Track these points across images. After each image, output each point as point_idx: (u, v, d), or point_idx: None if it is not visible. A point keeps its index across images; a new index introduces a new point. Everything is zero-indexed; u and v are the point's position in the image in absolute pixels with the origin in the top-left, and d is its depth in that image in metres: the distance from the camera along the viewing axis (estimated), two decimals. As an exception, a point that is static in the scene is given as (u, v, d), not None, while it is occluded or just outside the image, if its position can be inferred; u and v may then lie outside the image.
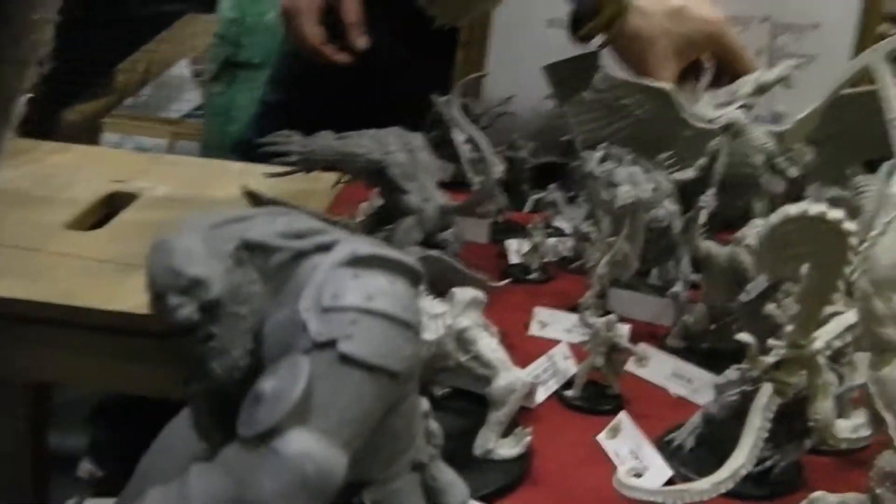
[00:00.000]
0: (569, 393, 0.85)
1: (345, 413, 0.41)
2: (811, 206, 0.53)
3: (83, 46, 1.83)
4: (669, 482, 0.72)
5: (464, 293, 0.74)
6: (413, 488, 0.49)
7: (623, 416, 0.79)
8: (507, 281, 0.92)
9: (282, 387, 0.40)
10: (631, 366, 0.89)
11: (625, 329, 0.85)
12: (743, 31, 1.29)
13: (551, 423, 0.82)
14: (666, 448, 0.78)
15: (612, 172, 1.00)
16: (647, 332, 0.97)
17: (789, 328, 0.61)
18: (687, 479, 0.76)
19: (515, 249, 1.08)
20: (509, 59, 1.30)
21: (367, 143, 0.95)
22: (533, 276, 1.04)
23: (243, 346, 0.44)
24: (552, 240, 1.08)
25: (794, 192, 1.12)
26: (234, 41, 1.86)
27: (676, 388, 0.87)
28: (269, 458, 0.40)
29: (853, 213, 1.15)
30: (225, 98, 1.85)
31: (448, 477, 0.50)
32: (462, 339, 0.73)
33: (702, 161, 1.11)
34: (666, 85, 1.12)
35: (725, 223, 1.09)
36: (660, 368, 0.89)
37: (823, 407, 0.61)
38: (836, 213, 0.54)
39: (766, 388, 0.65)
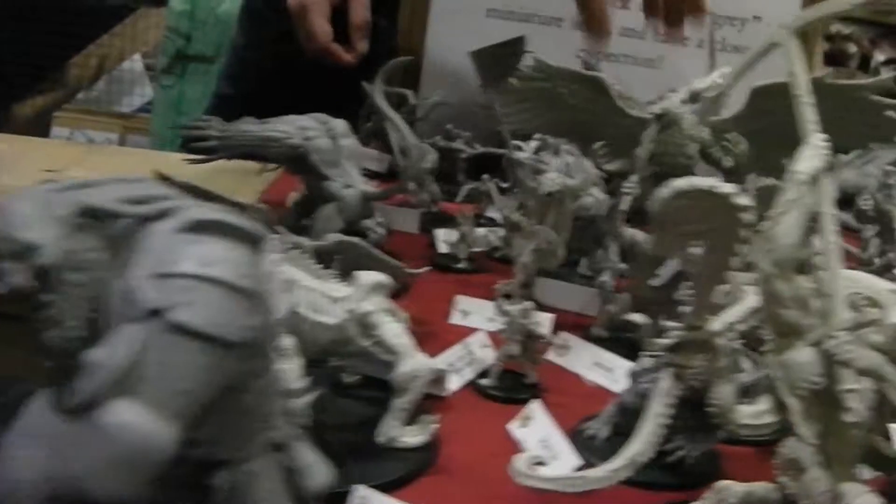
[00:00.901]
0: (484, 381, 0.83)
1: (175, 384, 0.39)
2: (702, 181, 0.52)
3: (34, 41, 1.81)
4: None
5: (367, 277, 0.72)
6: (270, 470, 0.47)
7: (535, 405, 0.77)
8: (425, 269, 0.91)
9: (106, 356, 0.38)
10: (553, 355, 0.88)
11: (543, 317, 0.84)
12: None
13: (464, 411, 0.80)
14: (579, 438, 0.77)
15: (538, 160, 0.99)
16: (574, 322, 0.95)
17: (685, 309, 0.59)
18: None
19: (444, 239, 1.06)
20: (448, 48, 1.28)
21: (288, 128, 0.93)
22: (460, 265, 1.03)
23: (81, 315, 0.42)
24: (482, 230, 1.06)
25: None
26: (185, 34, 1.84)
27: (597, 378, 0.86)
28: (88, 430, 0.38)
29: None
30: (175, 91, 1.83)
31: (309, 459, 0.48)
32: (365, 324, 0.71)
33: (637, 151, 1.10)
34: (600, 73, 1.10)
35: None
36: (581, 358, 0.87)
37: (723, 391, 0.60)
38: (727, 188, 0.52)
39: (668, 373, 0.63)
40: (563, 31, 1.32)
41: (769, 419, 0.61)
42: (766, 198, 1.05)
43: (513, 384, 0.83)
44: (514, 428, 0.77)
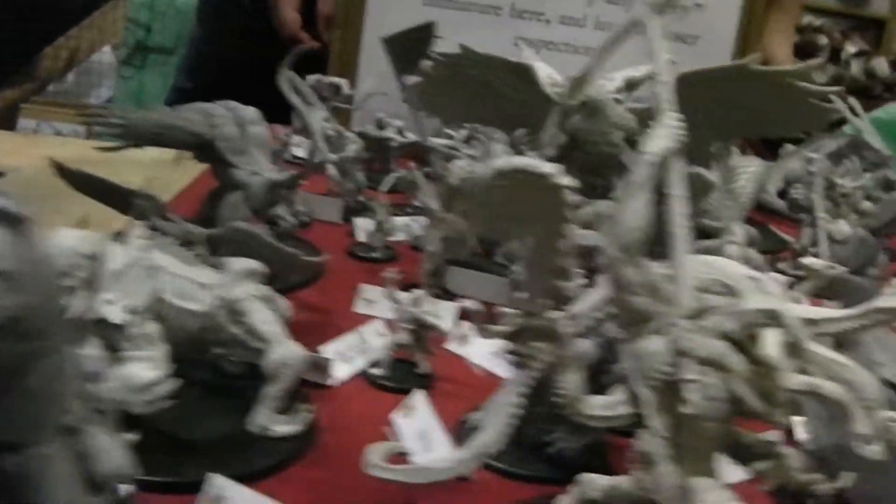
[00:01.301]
0: (375, 371, 0.81)
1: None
2: (520, 160, 0.50)
3: (4, 33, 1.80)
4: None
5: (238, 263, 0.71)
6: (61, 454, 0.46)
7: (418, 396, 0.76)
8: (324, 257, 0.89)
9: None
10: (454, 345, 0.86)
11: (447, 307, 0.82)
12: (624, 9, 1.26)
13: (351, 400, 0.79)
14: (464, 428, 0.75)
15: (452, 147, 0.97)
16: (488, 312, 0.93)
17: (521, 295, 0.57)
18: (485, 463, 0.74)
19: (363, 228, 1.04)
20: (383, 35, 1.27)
21: (194, 116, 0.92)
22: (376, 254, 1.01)
23: None
24: (404, 219, 1.05)
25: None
26: (144, 25, 1.83)
27: (496, 368, 0.84)
28: None
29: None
30: (135, 83, 1.82)
31: (103, 443, 0.47)
32: (234, 311, 0.70)
33: (562, 140, 1.08)
34: (526, 61, 1.08)
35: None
36: (482, 348, 0.85)
37: (569, 381, 0.58)
38: (547, 167, 0.50)
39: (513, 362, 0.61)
40: (501, 19, 1.30)
41: (623, 410, 0.59)
42: (692, 186, 1.04)
43: (405, 374, 0.81)
44: (398, 418, 0.76)
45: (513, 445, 0.75)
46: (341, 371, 0.81)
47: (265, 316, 0.70)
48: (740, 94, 1.04)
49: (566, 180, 0.51)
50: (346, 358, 0.81)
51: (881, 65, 2.27)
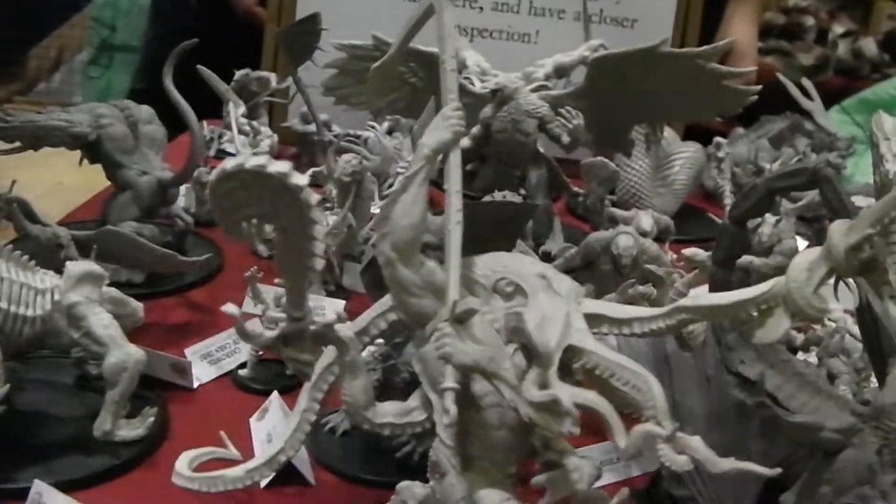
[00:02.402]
0: (242, 372, 0.80)
1: None
2: (250, 160, 0.48)
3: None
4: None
5: (76, 267, 0.70)
6: None
7: (274, 398, 0.74)
8: (204, 257, 0.88)
9: None
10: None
11: (337, 304, 0.80)
12: (560, -5, 1.23)
13: (213, 403, 0.78)
14: (320, 431, 0.74)
15: (350, 140, 0.95)
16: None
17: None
18: (328, 466, 0.72)
19: (270, 225, 1.03)
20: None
21: (79, 116, 0.91)
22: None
23: None
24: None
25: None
26: (109, 24, 1.84)
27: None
28: None
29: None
30: (102, 82, 1.83)
31: None
32: (72, 316, 0.69)
33: (475, 130, 1.06)
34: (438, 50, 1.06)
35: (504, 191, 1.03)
36: (361, 347, 0.84)
37: (354, 387, 0.56)
38: (280, 167, 0.49)
39: (318, 367, 0.59)
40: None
41: (418, 417, 0.57)
42: (595, 175, 1.01)
43: (273, 375, 0.80)
44: (253, 420, 0.75)
45: (363, 450, 0.74)
46: (206, 373, 0.80)
47: (103, 319, 0.70)
48: (654, 78, 1.00)
49: (300, 179, 0.49)
50: (213, 359, 0.80)
51: (868, 45, 2.20)
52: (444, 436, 0.54)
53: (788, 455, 0.65)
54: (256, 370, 0.80)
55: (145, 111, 0.95)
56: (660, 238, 0.98)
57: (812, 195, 1.20)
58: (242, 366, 0.81)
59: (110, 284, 0.89)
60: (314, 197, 0.50)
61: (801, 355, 0.86)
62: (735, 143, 1.25)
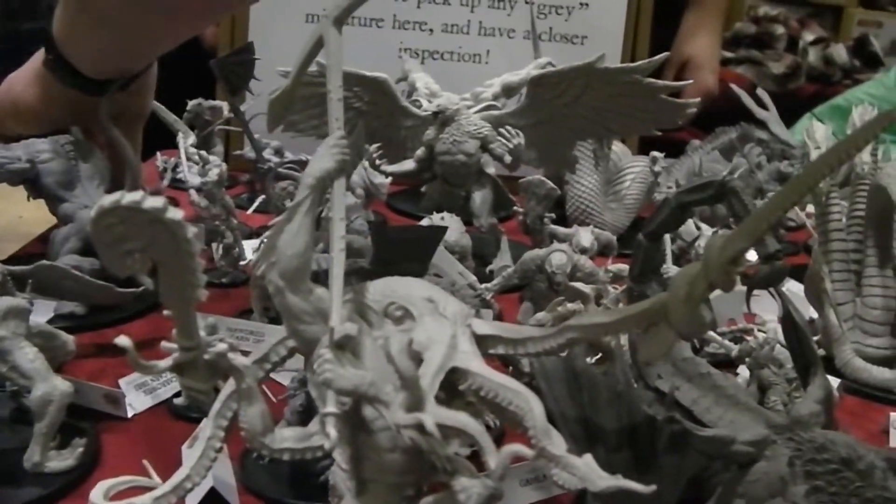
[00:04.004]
0: (178, 400, 0.81)
1: None
2: (126, 196, 0.49)
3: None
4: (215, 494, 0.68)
5: (1, 303, 0.71)
6: None
7: (205, 423, 0.75)
8: (140, 289, 0.88)
9: None
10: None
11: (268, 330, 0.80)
12: (508, 13, 1.24)
13: (146, 431, 0.78)
14: (248, 456, 0.74)
15: (287, 166, 0.96)
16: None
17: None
18: (255, 491, 0.73)
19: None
20: (268, 56, 1.26)
21: (16, 152, 0.92)
22: (224, 279, 1.01)
23: None
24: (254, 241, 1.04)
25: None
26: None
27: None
28: None
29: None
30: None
31: None
32: (-1, 350, 0.70)
33: (419, 152, 1.06)
34: (382, 75, 1.07)
35: (450, 212, 1.04)
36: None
37: (249, 413, 0.56)
38: (154, 202, 0.49)
39: (221, 395, 0.60)
40: (384, 31, 1.29)
41: (318, 442, 0.57)
42: (535, 193, 1.01)
43: (211, 402, 0.80)
44: (184, 448, 0.75)
45: (291, 474, 0.74)
46: (142, 402, 0.80)
47: (28, 353, 0.70)
48: (593, 94, 1.01)
49: (175, 214, 0.49)
50: (148, 389, 0.81)
51: (839, 51, 2.20)
52: (338, 459, 0.54)
53: (704, 469, 0.65)
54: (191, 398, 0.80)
55: (84, 145, 0.96)
56: (603, 254, 0.98)
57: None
58: (178, 394, 0.81)
59: (55, 317, 0.92)
60: (191, 230, 0.50)
61: (741, 368, 0.86)
62: (692, 156, 1.26)
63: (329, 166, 0.56)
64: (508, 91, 1.11)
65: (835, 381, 0.89)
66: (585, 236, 0.91)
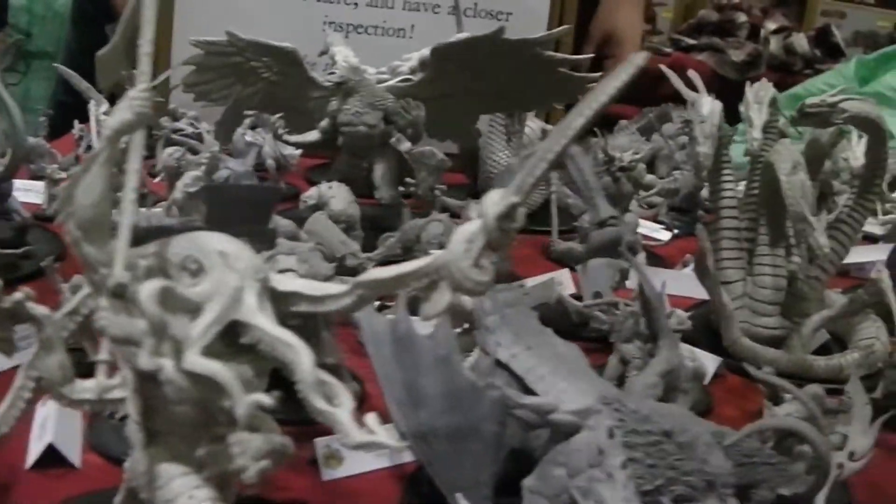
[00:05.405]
0: None
1: None
2: None
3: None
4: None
5: None
6: None
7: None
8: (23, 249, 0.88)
9: None
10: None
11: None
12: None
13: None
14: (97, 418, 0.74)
15: (180, 135, 0.96)
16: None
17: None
18: (100, 450, 0.72)
19: (116, 220, 1.03)
20: (195, 29, 1.25)
21: None
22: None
23: None
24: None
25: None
26: (24, 30, 1.85)
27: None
28: None
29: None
30: (19, 89, 1.84)
31: None
32: None
33: (324, 123, 1.06)
34: (290, 45, 1.06)
35: (351, 186, 1.03)
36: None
37: (47, 363, 0.56)
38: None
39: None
40: (308, 3, 1.28)
41: (118, 394, 0.57)
42: (426, 165, 1.00)
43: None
44: (39, 405, 0.74)
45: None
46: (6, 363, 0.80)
47: None
48: (496, 67, 1.00)
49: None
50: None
51: (800, 41, 2.18)
52: (130, 411, 0.54)
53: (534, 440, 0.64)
54: None
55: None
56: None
57: (689, 187, 1.19)
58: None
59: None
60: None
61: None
62: (618, 135, 1.24)
63: (128, 118, 0.55)
64: (425, 65, 1.10)
65: (717, 360, 0.89)
66: (474, 207, 0.90)
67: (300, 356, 0.49)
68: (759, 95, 0.90)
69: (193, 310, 0.51)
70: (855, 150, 1.04)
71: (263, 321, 0.52)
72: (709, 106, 0.87)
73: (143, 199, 1.03)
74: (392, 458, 0.72)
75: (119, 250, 0.53)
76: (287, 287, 0.56)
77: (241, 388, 0.46)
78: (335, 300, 0.54)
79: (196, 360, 0.47)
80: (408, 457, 0.73)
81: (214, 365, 0.47)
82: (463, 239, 0.49)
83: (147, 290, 0.48)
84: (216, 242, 0.56)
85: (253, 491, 0.55)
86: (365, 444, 0.47)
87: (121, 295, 0.51)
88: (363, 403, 0.77)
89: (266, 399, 0.46)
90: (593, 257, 0.72)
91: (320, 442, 0.70)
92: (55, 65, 1.10)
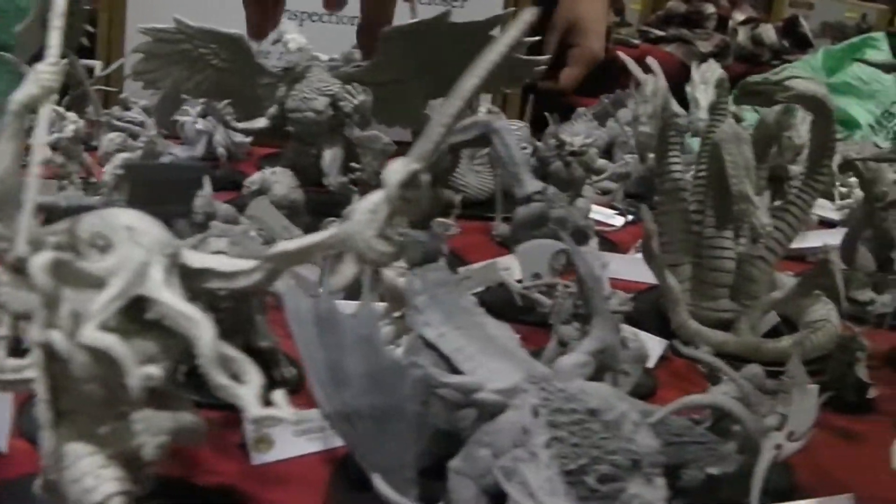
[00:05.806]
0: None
1: None
2: None
3: None
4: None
5: None
6: None
7: None
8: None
9: None
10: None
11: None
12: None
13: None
14: (29, 403, 0.73)
15: (124, 122, 0.95)
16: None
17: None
18: (29, 437, 0.71)
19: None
20: (150, 18, 1.24)
21: None
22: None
23: None
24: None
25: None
26: (-13, 25, 1.84)
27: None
28: None
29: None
30: (-14, 84, 1.82)
31: None
32: None
33: (272, 110, 1.05)
34: (237, 31, 1.05)
35: (300, 173, 1.02)
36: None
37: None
38: None
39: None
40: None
41: (30, 374, 0.56)
42: (373, 148, 0.99)
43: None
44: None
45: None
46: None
47: None
48: (444, 51, 0.99)
49: None
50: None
51: (768, 32, 2.18)
52: (38, 390, 0.53)
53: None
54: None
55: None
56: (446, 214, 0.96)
57: (641, 170, 1.19)
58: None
59: None
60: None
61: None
62: (575, 122, 1.24)
63: (33, 92, 0.54)
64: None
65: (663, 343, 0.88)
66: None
67: (201, 330, 0.48)
68: (705, 76, 0.90)
69: (98, 285, 0.51)
70: (798, 128, 1.03)
71: (168, 296, 0.51)
72: (652, 86, 0.86)
73: (90, 187, 1.02)
74: (325, 443, 0.71)
75: (22, 225, 0.52)
76: (198, 263, 0.55)
77: (134, 361, 0.45)
78: (246, 276, 0.54)
79: (91, 334, 0.46)
80: (339, 441, 0.72)
81: (109, 338, 0.46)
82: (366, 209, 0.49)
83: (39, 262, 0.47)
84: (124, 218, 0.55)
85: (163, 470, 0.54)
86: (262, 419, 0.46)
87: (20, 269, 0.50)
88: (301, 388, 0.76)
89: (155, 371, 0.45)
90: (520, 233, 0.71)
91: (250, 425, 0.69)
92: (2, 54, 1.08)
